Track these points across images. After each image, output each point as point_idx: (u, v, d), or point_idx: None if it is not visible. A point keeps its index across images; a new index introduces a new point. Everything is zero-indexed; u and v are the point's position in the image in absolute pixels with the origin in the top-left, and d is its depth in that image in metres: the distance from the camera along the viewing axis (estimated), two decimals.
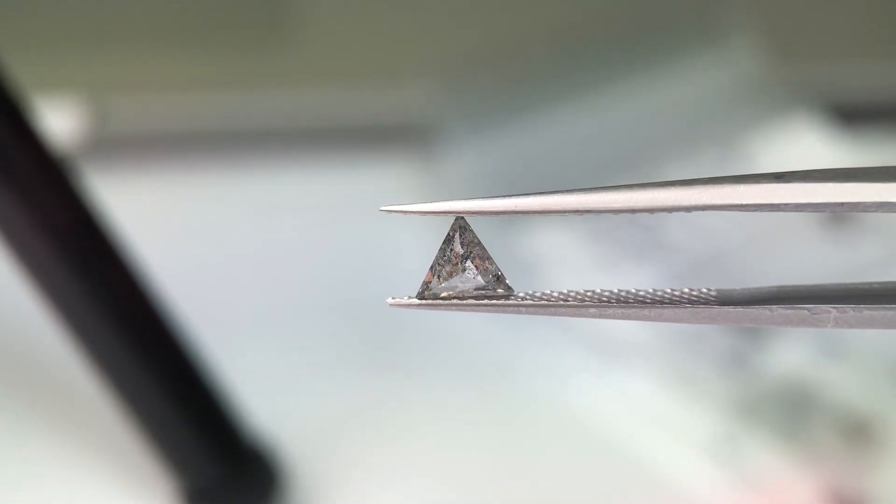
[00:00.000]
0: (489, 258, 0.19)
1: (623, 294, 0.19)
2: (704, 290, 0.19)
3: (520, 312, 0.19)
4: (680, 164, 0.46)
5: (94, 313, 0.32)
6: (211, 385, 0.34)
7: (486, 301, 0.19)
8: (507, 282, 0.19)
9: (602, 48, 0.49)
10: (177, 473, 0.35)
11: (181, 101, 0.49)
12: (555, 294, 0.19)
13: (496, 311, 0.19)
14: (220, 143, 0.48)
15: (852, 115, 0.49)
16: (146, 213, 0.43)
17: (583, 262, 0.43)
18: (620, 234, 0.44)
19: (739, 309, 0.19)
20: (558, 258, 0.43)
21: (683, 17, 0.50)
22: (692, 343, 0.40)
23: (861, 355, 0.39)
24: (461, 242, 0.19)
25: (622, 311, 0.19)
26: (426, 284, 0.19)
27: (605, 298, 0.19)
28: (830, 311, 0.18)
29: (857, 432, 0.37)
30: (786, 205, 0.17)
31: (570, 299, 0.19)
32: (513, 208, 0.18)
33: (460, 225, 0.19)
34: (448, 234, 0.19)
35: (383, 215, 0.19)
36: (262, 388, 0.38)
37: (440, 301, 0.19)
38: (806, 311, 0.18)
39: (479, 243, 0.19)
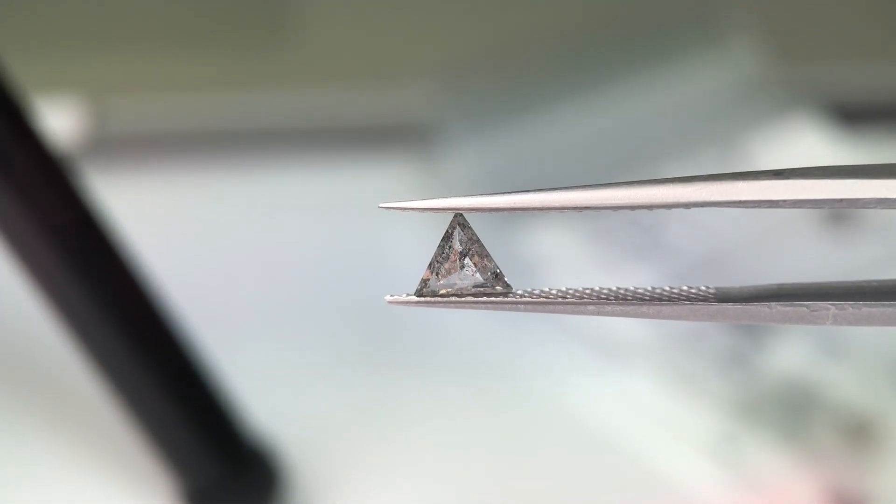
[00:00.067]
0: (488, 255, 0.19)
1: (622, 292, 0.19)
2: (703, 288, 0.19)
3: (518, 310, 0.19)
4: (680, 163, 0.46)
5: (94, 313, 0.32)
6: (211, 385, 0.34)
7: (484, 298, 0.19)
8: (506, 279, 0.19)
9: (602, 48, 0.49)
10: (177, 473, 0.34)
11: (181, 102, 0.49)
12: (553, 291, 0.19)
13: (495, 309, 0.19)
14: (220, 143, 0.48)
15: (852, 114, 0.49)
16: (146, 213, 0.43)
17: (582, 262, 0.43)
18: (620, 234, 0.44)
19: (738, 306, 0.19)
20: (557, 258, 0.43)
21: (683, 17, 0.50)
22: (692, 342, 0.40)
23: (861, 355, 0.39)
24: (460, 240, 0.19)
25: (621, 308, 0.19)
26: (425, 282, 0.19)
27: (603, 296, 0.19)
28: (829, 307, 0.18)
29: (857, 432, 0.37)
30: (784, 201, 0.17)
31: (568, 297, 0.19)
32: (512, 205, 0.18)
33: (459, 222, 0.19)
34: (447, 231, 0.19)
35: (383, 215, 0.19)
36: (262, 388, 0.38)
37: (439, 298, 0.19)
38: (805, 308, 0.18)
39: (478, 240, 0.19)
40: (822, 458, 0.36)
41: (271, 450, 0.36)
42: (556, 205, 0.18)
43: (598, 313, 0.19)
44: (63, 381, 0.38)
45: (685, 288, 0.19)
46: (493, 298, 0.19)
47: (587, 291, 0.19)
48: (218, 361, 0.35)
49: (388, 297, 0.19)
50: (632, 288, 0.19)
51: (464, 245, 0.19)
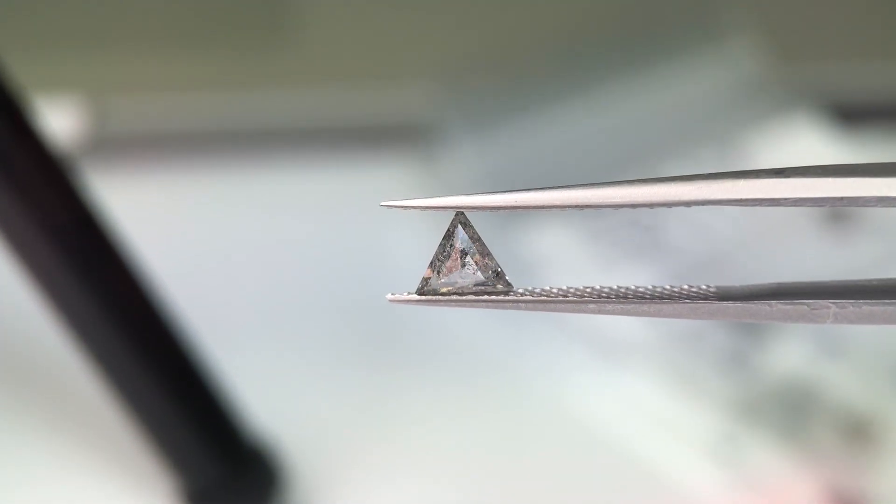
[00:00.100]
0: (489, 254, 0.19)
1: (623, 290, 0.19)
2: (703, 287, 0.19)
3: (519, 308, 0.19)
4: (680, 163, 0.46)
5: (94, 313, 0.32)
6: (211, 385, 0.34)
7: (485, 297, 0.19)
8: (507, 278, 0.19)
9: (602, 48, 0.49)
10: (177, 473, 0.34)
11: (181, 102, 0.49)
12: (554, 290, 0.19)
13: (496, 307, 0.19)
14: (220, 143, 0.48)
15: (852, 114, 0.49)
16: (146, 213, 0.43)
17: (582, 262, 0.43)
18: (620, 234, 0.44)
19: (739, 304, 0.19)
20: (558, 257, 0.43)
21: (683, 17, 0.50)
22: (692, 342, 0.40)
23: (861, 355, 0.39)
24: (461, 238, 0.19)
25: (621, 306, 0.19)
26: (426, 280, 0.19)
27: (604, 294, 0.19)
28: (830, 306, 0.18)
29: (857, 432, 0.37)
30: (785, 199, 0.17)
31: (569, 295, 0.19)
32: (514, 203, 0.18)
33: (460, 220, 0.19)
34: (448, 229, 0.19)
35: (383, 215, 0.19)
36: (262, 388, 0.38)
37: (440, 297, 0.19)
38: (805, 307, 0.18)
39: (479, 239, 0.19)
40: (822, 458, 0.36)
41: (271, 450, 0.36)
42: (558, 203, 0.18)
43: (599, 312, 0.19)
44: (63, 381, 0.38)
45: (686, 287, 0.19)
46: (494, 297, 0.19)
47: (588, 290, 0.19)
48: (218, 361, 0.35)
49: (389, 296, 0.19)
50: (632, 287, 0.19)
51: (465, 244, 0.19)
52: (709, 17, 0.50)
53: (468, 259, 0.19)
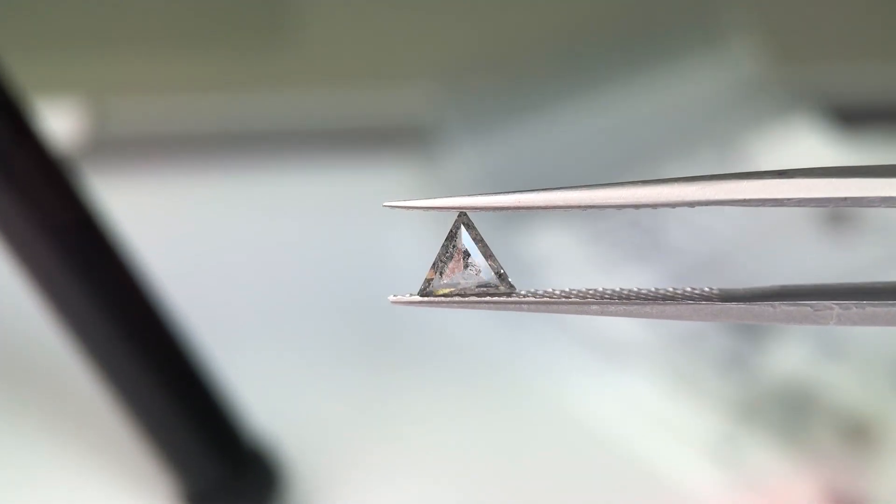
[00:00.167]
0: (491, 255, 0.19)
1: (625, 292, 0.19)
2: (706, 289, 0.19)
3: (521, 310, 0.19)
4: (680, 164, 0.46)
5: (94, 313, 0.32)
6: (211, 385, 0.34)
7: (488, 298, 0.19)
8: (509, 279, 0.19)
9: (602, 48, 0.49)
10: (177, 474, 0.34)
11: (181, 103, 0.49)
12: (557, 291, 0.19)
13: (498, 309, 0.19)
14: (221, 144, 0.48)
15: (852, 115, 0.49)
16: (146, 213, 0.43)
17: (584, 263, 0.43)
18: (622, 235, 0.44)
19: (741, 305, 0.19)
20: (560, 259, 0.43)
21: (683, 18, 0.50)
22: (692, 343, 0.40)
23: (861, 356, 0.39)
24: (464, 239, 0.19)
25: (624, 307, 0.19)
26: (428, 281, 0.19)
27: (607, 296, 0.19)
28: (833, 307, 0.18)
29: (857, 432, 0.37)
30: (789, 199, 0.17)
31: (571, 297, 0.19)
32: (516, 204, 0.18)
33: (463, 221, 0.19)
34: (451, 230, 0.19)
35: (384, 216, 0.19)
36: (262, 389, 0.38)
37: (442, 298, 0.19)
38: (808, 308, 0.18)
39: (482, 240, 0.19)
40: (822, 459, 0.36)
41: (271, 450, 0.36)
42: (562, 204, 0.18)
43: (602, 313, 0.19)
44: (63, 381, 0.38)
45: (689, 289, 0.19)
46: (496, 298, 0.19)
47: (590, 291, 0.19)
48: (218, 362, 0.35)
49: (391, 297, 0.19)
50: (635, 288, 0.19)
51: (468, 244, 0.19)
52: (709, 17, 0.50)
53: (471, 260, 0.19)
